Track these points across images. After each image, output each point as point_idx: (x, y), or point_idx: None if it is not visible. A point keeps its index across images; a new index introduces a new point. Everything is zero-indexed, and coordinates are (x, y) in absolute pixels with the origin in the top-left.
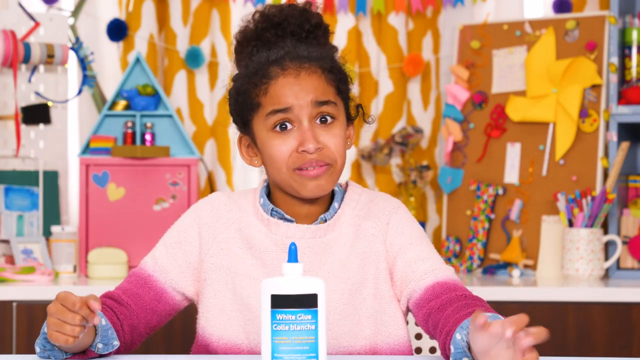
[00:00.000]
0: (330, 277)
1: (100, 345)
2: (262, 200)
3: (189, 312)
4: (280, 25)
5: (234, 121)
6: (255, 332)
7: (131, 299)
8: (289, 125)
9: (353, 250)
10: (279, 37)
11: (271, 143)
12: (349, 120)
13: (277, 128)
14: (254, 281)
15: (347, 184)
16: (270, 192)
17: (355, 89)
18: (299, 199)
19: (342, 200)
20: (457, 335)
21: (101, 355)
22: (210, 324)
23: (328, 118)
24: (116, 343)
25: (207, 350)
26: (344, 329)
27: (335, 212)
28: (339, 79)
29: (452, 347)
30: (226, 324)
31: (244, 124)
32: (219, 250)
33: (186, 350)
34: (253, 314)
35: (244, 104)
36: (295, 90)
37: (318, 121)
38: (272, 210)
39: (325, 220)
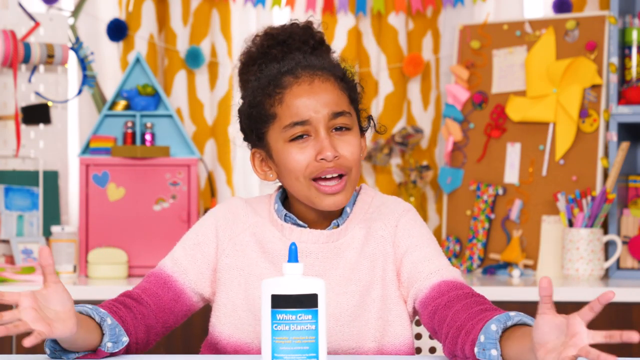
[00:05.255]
0: (342, 280)
1: (109, 344)
2: (277, 206)
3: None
4: (286, 42)
5: (246, 138)
6: None
7: (150, 298)
8: (306, 135)
9: (363, 252)
10: (285, 54)
11: (288, 153)
12: (361, 131)
13: (295, 139)
14: None
15: (360, 187)
16: (286, 197)
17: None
18: None
19: (354, 203)
20: (493, 327)
21: (112, 354)
22: (221, 323)
23: (344, 128)
24: (125, 339)
25: (216, 348)
26: (353, 330)
27: (348, 217)
28: (350, 88)
29: (482, 336)
30: (237, 323)
31: (258, 137)
32: (234, 251)
33: (187, 350)
34: None
35: (258, 117)
36: (312, 103)
37: (334, 130)
38: (285, 215)
39: (338, 225)
